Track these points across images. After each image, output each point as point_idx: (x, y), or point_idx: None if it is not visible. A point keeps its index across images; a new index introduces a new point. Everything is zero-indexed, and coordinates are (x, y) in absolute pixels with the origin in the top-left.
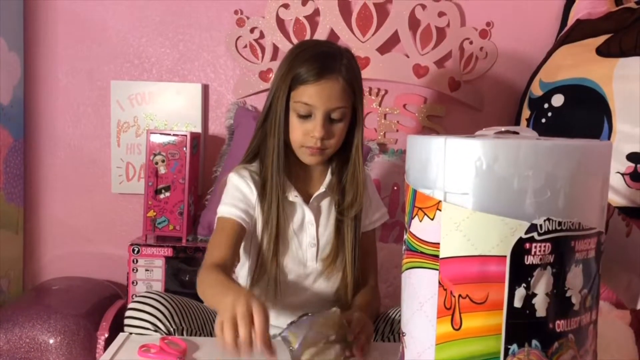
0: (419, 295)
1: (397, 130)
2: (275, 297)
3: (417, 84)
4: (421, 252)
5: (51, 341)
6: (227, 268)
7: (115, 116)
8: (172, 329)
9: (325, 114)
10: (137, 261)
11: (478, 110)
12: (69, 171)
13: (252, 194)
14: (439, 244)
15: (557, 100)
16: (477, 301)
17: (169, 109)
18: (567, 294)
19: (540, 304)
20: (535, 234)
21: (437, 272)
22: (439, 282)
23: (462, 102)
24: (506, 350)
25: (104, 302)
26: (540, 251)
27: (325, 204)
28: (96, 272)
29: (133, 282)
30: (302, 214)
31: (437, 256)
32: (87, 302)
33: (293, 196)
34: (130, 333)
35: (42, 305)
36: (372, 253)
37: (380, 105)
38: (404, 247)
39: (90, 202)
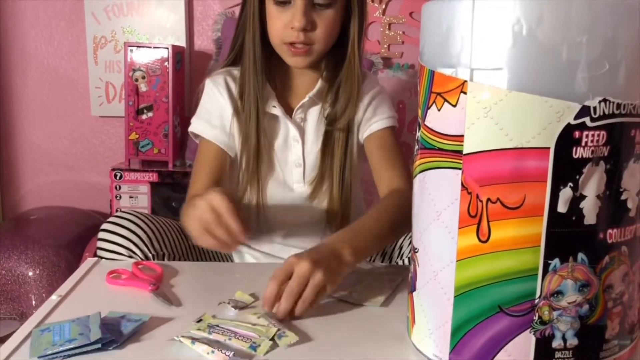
0: (436, 201)
1: (403, 42)
2: (259, 225)
3: None
4: (439, 149)
5: (30, 273)
6: None
7: (91, 31)
8: (150, 255)
9: None
10: (119, 187)
11: None
12: (44, 93)
13: (226, 105)
14: (462, 136)
15: None
16: (511, 206)
17: (150, 21)
18: (622, 197)
19: (590, 209)
20: (587, 120)
21: (459, 171)
22: (462, 184)
23: None
24: (545, 265)
25: (87, 232)
26: (592, 141)
27: (313, 116)
28: (79, 202)
29: (117, 211)
30: (286, 129)
31: (460, 152)
32: (69, 232)
33: (271, 107)
34: (101, 257)
35: (19, 235)
36: (393, 150)
37: (384, 14)
38: (416, 147)
39: (69, 126)
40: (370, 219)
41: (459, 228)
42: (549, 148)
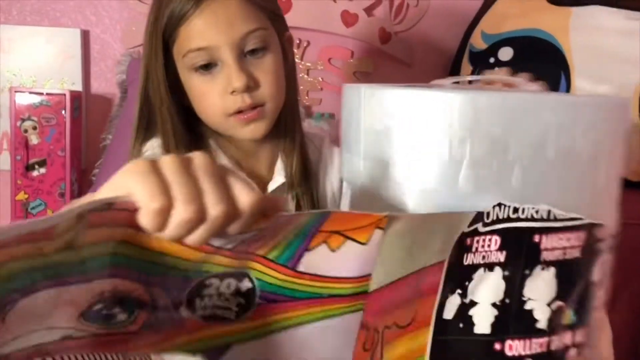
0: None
1: (322, 89)
2: None
3: (345, 34)
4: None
5: None
6: None
7: None
8: None
9: (235, 48)
10: None
11: (409, 66)
12: None
13: None
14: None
15: (505, 54)
16: (403, 324)
17: (37, 61)
18: (527, 306)
19: (482, 317)
20: (479, 225)
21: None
22: (361, 325)
23: (392, 56)
24: None
25: None
26: (483, 247)
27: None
28: None
29: None
30: None
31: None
32: None
33: None
34: None
35: None
36: None
37: (302, 59)
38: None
39: None
40: None
41: None
42: (444, 261)
